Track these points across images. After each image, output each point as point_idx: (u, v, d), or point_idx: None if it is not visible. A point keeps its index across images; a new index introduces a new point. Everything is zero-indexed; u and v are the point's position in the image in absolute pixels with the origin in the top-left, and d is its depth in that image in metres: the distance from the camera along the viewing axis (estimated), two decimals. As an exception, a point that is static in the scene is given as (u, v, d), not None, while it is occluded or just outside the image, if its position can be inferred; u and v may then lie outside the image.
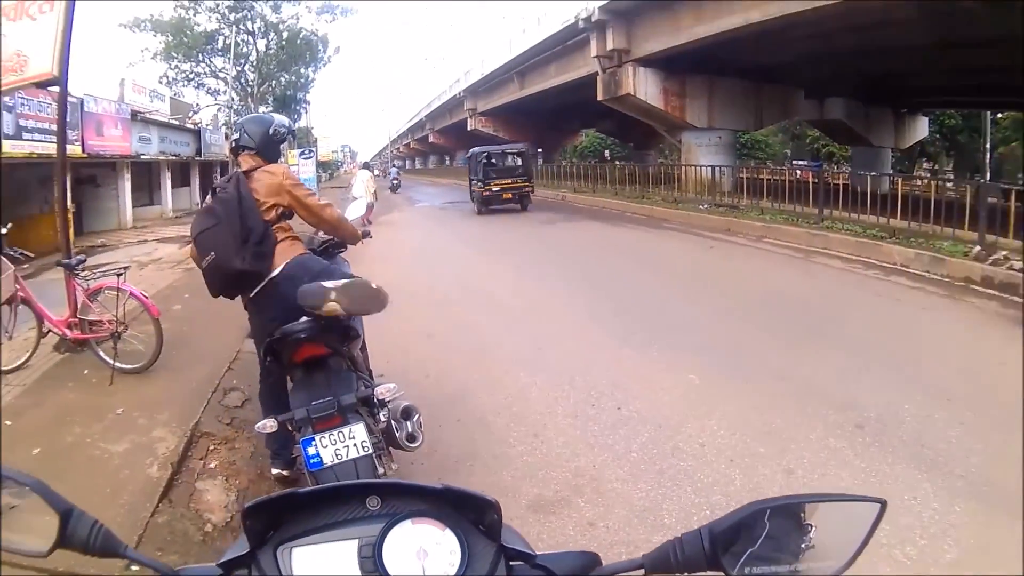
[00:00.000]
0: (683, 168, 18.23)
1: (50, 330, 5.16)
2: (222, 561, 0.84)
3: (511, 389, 4.56)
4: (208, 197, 3.17)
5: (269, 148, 3.32)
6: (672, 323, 6.10)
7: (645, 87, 18.19)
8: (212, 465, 3.61)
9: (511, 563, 0.83)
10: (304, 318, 2.57)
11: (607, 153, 42.82)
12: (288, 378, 2.95)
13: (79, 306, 5.01)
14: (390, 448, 2.66)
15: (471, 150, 20.88)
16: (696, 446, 3.57)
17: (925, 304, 6.78)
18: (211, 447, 3.78)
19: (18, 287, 5.00)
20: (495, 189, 17.54)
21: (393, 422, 2.63)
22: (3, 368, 4.96)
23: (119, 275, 4.82)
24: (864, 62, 18.32)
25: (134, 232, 17.98)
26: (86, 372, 4.88)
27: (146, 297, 4.86)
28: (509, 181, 17.81)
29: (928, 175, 27.28)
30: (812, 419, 3.83)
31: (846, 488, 2.94)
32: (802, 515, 0.80)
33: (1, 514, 0.86)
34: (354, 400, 2.36)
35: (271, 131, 3.31)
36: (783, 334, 5.60)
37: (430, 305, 7.10)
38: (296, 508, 0.85)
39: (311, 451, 2.26)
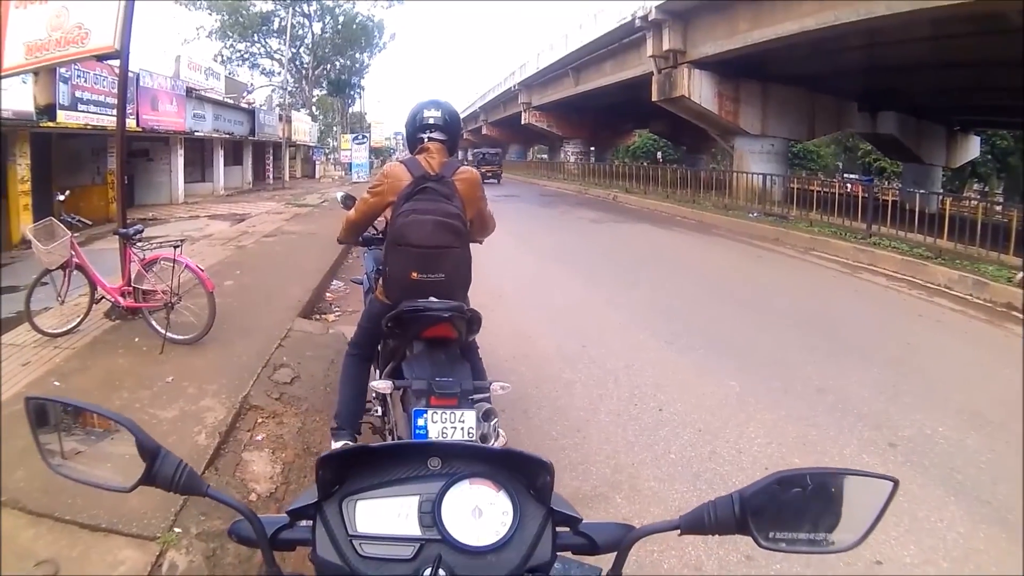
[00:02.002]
0: (735, 175, 17.89)
1: (103, 297, 5.24)
2: (291, 509, 0.89)
3: (556, 384, 4.62)
4: (418, 185, 2.67)
5: (455, 139, 2.98)
6: (716, 329, 6.10)
7: (700, 90, 17.84)
8: (259, 438, 3.63)
9: (557, 528, 0.88)
10: (432, 298, 2.57)
11: (660, 155, 42.34)
12: (380, 351, 2.99)
13: (133, 275, 5.07)
14: None
15: (472, 151, 38.30)
16: (733, 452, 3.62)
17: (966, 328, 6.73)
18: (259, 420, 3.81)
19: (73, 253, 5.07)
20: (482, 171, 27.10)
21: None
22: (54, 331, 5.04)
23: (176, 247, 4.86)
24: (918, 76, 17.97)
25: (185, 207, 18.33)
26: (137, 340, 4.93)
27: (201, 271, 4.89)
28: (490, 167, 31.00)
29: (977, 196, 26.45)
30: (847, 434, 3.88)
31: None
32: (823, 487, 0.85)
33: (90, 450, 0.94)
34: (472, 387, 2.39)
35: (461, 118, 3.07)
36: (824, 348, 5.62)
37: (480, 296, 7.04)
38: (364, 463, 0.89)
39: (420, 422, 2.29)
